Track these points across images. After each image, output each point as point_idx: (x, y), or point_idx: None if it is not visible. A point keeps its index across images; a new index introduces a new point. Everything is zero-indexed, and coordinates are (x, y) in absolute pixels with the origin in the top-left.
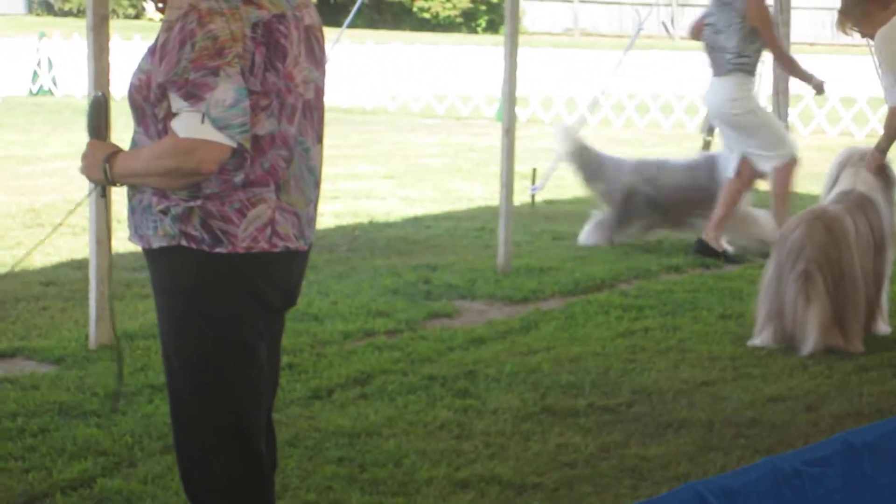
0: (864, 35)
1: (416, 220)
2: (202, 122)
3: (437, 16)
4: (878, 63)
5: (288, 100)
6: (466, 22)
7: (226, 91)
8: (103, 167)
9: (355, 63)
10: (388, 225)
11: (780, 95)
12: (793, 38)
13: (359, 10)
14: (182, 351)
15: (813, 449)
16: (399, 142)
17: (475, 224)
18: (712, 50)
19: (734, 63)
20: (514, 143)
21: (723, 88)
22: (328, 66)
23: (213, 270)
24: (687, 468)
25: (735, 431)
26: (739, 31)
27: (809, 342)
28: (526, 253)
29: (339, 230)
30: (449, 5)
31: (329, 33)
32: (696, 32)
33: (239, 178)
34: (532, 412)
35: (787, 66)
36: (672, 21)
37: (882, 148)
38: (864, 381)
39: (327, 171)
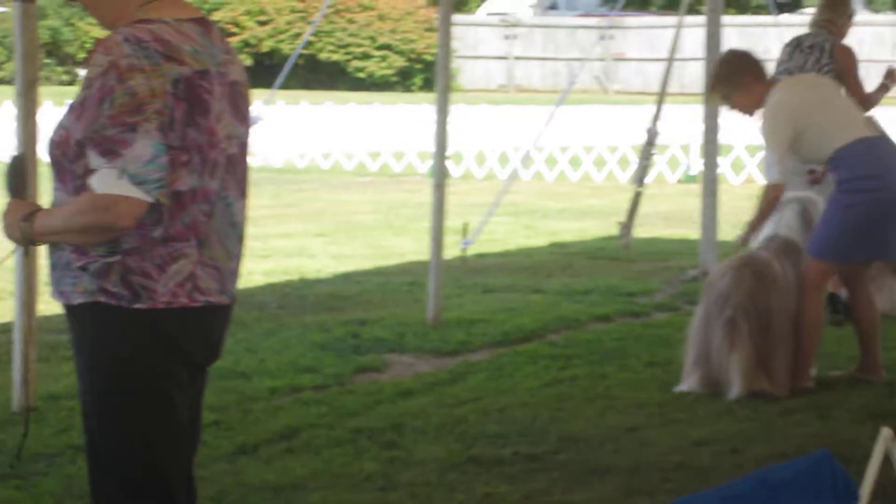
0: (735, 108)
1: (346, 277)
2: (119, 177)
3: (372, 75)
4: (763, 139)
5: (210, 155)
6: (402, 81)
7: (143, 147)
8: (21, 226)
9: (289, 123)
10: (318, 282)
11: (710, 145)
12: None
13: (293, 70)
14: (101, 405)
15: (731, 486)
16: (332, 200)
17: (406, 279)
18: None
19: None
20: (444, 197)
21: None
22: (262, 127)
23: (133, 326)
24: None
25: (661, 476)
26: (829, 73)
27: (734, 387)
28: (456, 306)
29: (270, 288)
30: (384, 65)
31: (262, 94)
32: None
33: (158, 232)
34: (458, 462)
35: (869, 104)
36: (605, 75)
37: (753, 226)
38: (789, 423)
39: (259, 230)
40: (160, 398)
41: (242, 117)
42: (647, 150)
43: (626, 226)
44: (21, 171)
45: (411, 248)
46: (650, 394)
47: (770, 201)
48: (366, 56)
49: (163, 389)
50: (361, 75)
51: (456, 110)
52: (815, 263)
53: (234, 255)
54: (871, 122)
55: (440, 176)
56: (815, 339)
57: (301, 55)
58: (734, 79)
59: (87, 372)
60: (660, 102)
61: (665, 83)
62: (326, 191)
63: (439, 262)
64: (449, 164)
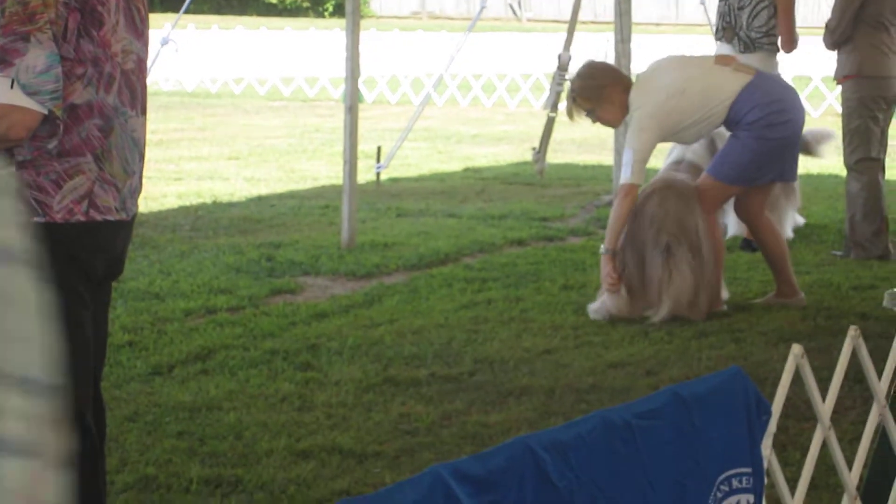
0: (600, 121)
1: (259, 200)
2: (11, 87)
3: (283, 1)
4: (628, 139)
5: (105, 68)
6: (314, 6)
7: (36, 57)
8: None
9: (200, 48)
10: (231, 205)
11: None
12: (637, 19)
13: None
14: None
15: (643, 402)
16: (244, 124)
17: (320, 202)
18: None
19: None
20: (356, 121)
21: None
22: (173, 50)
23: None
24: (527, 433)
25: (576, 397)
26: (767, 8)
27: (662, 311)
28: (370, 229)
29: (183, 210)
30: None
31: (171, 18)
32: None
33: (53, 146)
34: (374, 383)
35: (794, 45)
36: (519, 3)
37: (615, 231)
38: (704, 346)
39: (171, 153)
40: (63, 314)
41: (139, 33)
42: (560, 77)
43: (540, 151)
44: None
45: (325, 172)
46: (565, 317)
47: (629, 202)
48: None
49: (65, 304)
50: (273, 0)
51: (368, 36)
52: (717, 189)
53: (135, 171)
54: (739, 64)
55: (352, 100)
56: (718, 265)
57: None
58: (600, 93)
59: None
60: (571, 29)
61: (576, 11)
62: (239, 115)
63: (353, 185)
64: (363, 89)
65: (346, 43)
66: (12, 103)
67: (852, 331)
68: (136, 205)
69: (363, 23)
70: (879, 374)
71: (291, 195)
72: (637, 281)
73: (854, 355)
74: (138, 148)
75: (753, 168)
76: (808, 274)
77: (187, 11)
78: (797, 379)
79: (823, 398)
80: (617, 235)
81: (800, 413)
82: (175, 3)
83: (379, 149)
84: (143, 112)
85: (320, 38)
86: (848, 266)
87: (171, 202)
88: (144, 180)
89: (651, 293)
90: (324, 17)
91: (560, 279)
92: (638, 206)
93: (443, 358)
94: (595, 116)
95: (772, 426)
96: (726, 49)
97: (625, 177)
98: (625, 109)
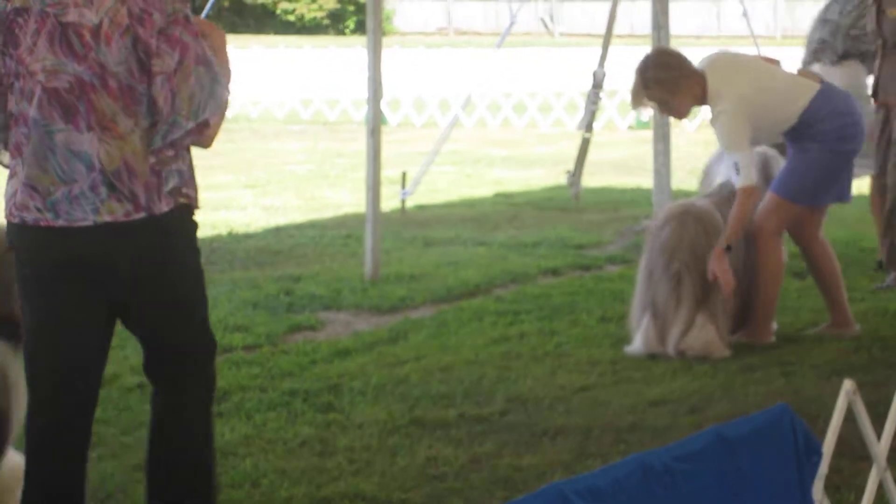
0: (671, 113)
1: (278, 230)
2: None
3: (302, 18)
4: (724, 142)
5: (26, 84)
6: (334, 24)
7: None
8: None
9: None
10: (248, 236)
11: None
12: (676, 31)
13: (217, 14)
14: None
15: (683, 444)
16: (262, 149)
17: (342, 232)
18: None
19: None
20: (380, 144)
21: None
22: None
23: None
24: (562, 476)
25: (614, 437)
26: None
27: (671, 344)
28: (395, 260)
29: None
30: (315, 6)
31: None
32: None
33: (2, 155)
34: (399, 425)
35: None
36: (551, 17)
37: (732, 236)
38: (750, 381)
39: None
40: (29, 303)
41: (76, 54)
42: (595, 95)
43: (575, 174)
44: None
45: (347, 199)
46: (603, 351)
47: (749, 207)
48: None
49: (27, 293)
50: (290, 18)
51: (391, 54)
52: (781, 208)
53: (73, 179)
54: (808, 72)
55: (375, 122)
56: (775, 291)
57: None
58: (677, 85)
59: None
60: (606, 44)
61: (612, 24)
62: (256, 140)
63: (377, 213)
64: (386, 110)
65: (368, 62)
66: None
67: None
68: (85, 211)
69: (386, 40)
70: None
71: (312, 225)
72: (650, 310)
73: None
74: (80, 159)
75: (821, 184)
76: (861, 301)
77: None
78: (851, 416)
79: (879, 436)
80: (737, 234)
81: (855, 452)
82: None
83: (404, 174)
84: (91, 128)
85: (341, 56)
86: None
87: None
88: None
89: (659, 323)
90: (345, 34)
91: (597, 311)
92: (654, 231)
93: (473, 397)
94: (668, 108)
95: (823, 468)
96: (815, 68)
97: (745, 180)
98: (698, 103)
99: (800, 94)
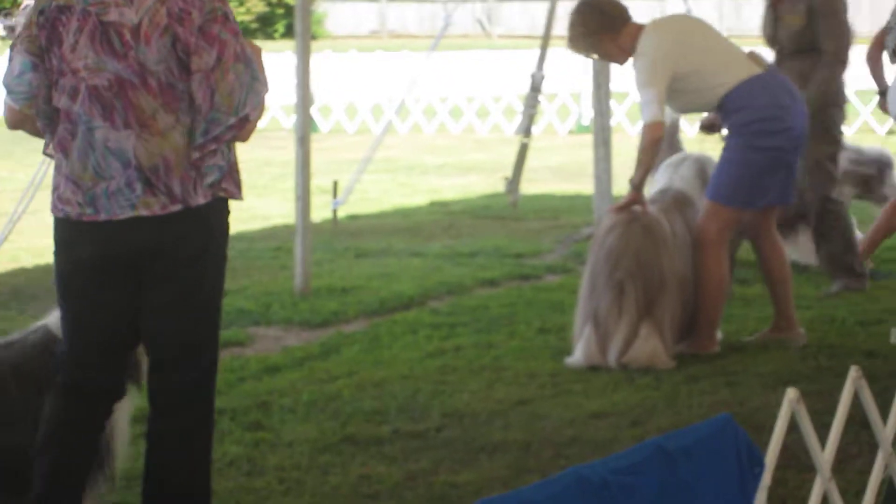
0: (605, 57)
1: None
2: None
3: None
4: (637, 77)
5: (69, 81)
6: (262, 28)
7: (16, 64)
8: None
9: None
10: None
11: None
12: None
13: None
14: None
15: (623, 456)
16: None
17: (271, 244)
18: None
19: None
20: (309, 152)
21: None
22: None
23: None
24: (500, 493)
25: (554, 452)
26: None
27: (612, 354)
28: (327, 272)
29: None
30: (242, 10)
31: None
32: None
33: (45, 147)
34: (331, 443)
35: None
36: (489, 18)
37: (641, 175)
38: (694, 391)
39: None
40: (69, 294)
41: (116, 53)
42: (533, 98)
43: (513, 181)
44: None
45: (277, 210)
46: (542, 363)
47: (652, 143)
48: None
49: (65, 286)
50: None
51: (322, 58)
52: (717, 213)
53: (109, 177)
54: (756, 57)
55: (304, 129)
56: (720, 300)
57: None
58: (603, 27)
59: None
60: (545, 46)
61: (550, 24)
62: None
63: (307, 224)
64: (317, 117)
65: (297, 67)
66: (4, 100)
67: (854, 371)
68: (121, 207)
69: (317, 44)
70: (886, 418)
71: (240, 237)
72: (592, 320)
73: (857, 398)
74: (117, 157)
75: (749, 185)
76: (808, 308)
77: None
78: (797, 426)
79: (824, 446)
80: (642, 173)
81: (801, 463)
82: None
83: (335, 183)
84: (128, 125)
85: (269, 62)
86: (853, 300)
87: None
88: None
89: (601, 333)
90: (273, 38)
91: (536, 322)
92: (599, 239)
93: (407, 412)
94: (599, 52)
95: (765, 479)
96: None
97: (648, 116)
98: (628, 52)
99: (732, 74)
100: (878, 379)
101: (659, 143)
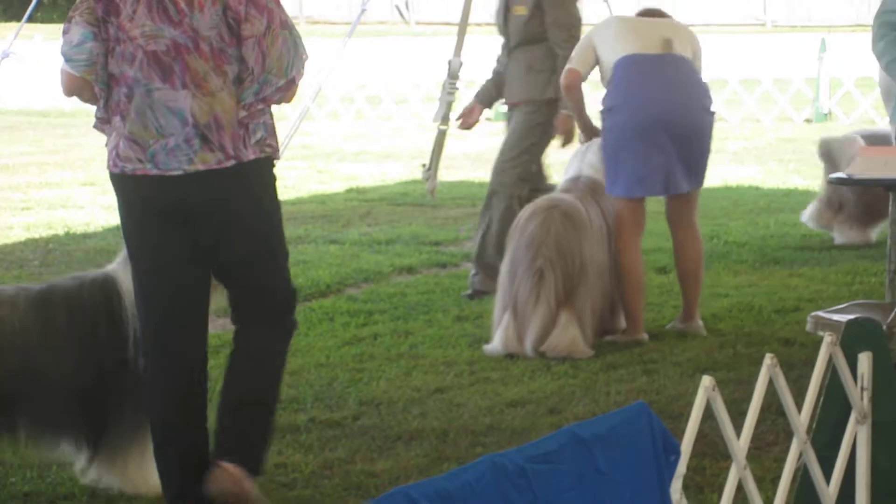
0: None
1: (118, 231)
2: (62, 56)
3: None
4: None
5: (126, 48)
6: None
7: (74, 34)
8: None
9: (50, 61)
10: (86, 236)
11: None
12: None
13: (52, 3)
14: None
15: (538, 444)
16: (100, 146)
17: None
18: None
19: None
20: None
21: None
22: (12, 63)
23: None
24: (417, 481)
25: (471, 440)
26: None
27: (529, 343)
28: None
29: (31, 243)
30: None
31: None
32: None
33: (98, 111)
34: None
35: None
36: (406, 4)
37: (583, 119)
38: (612, 379)
39: (19, 179)
40: (135, 247)
41: (171, 20)
42: (451, 85)
43: (431, 168)
44: None
45: None
46: (459, 351)
47: (568, 86)
48: None
49: (132, 242)
50: None
51: None
52: (615, 203)
53: (170, 134)
54: (668, 42)
55: None
56: (636, 289)
57: None
58: None
59: None
60: (462, 33)
61: (467, 11)
62: (95, 136)
63: None
64: None
65: None
66: (63, 68)
67: (769, 359)
68: (182, 162)
69: None
70: (801, 405)
71: None
72: (511, 307)
73: (773, 385)
74: (175, 115)
75: (617, 169)
76: (726, 297)
77: (33, 20)
78: (713, 414)
79: (740, 434)
80: (582, 120)
81: (718, 451)
82: (17, 11)
83: None
84: (186, 86)
85: None
86: (770, 288)
87: (18, 234)
88: None
89: (520, 321)
90: None
91: (454, 310)
92: (520, 226)
93: (324, 401)
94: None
95: (681, 467)
96: None
97: (567, 63)
98: None
99: (627, 47)
100: (795, 366)
101: (575, 88)
